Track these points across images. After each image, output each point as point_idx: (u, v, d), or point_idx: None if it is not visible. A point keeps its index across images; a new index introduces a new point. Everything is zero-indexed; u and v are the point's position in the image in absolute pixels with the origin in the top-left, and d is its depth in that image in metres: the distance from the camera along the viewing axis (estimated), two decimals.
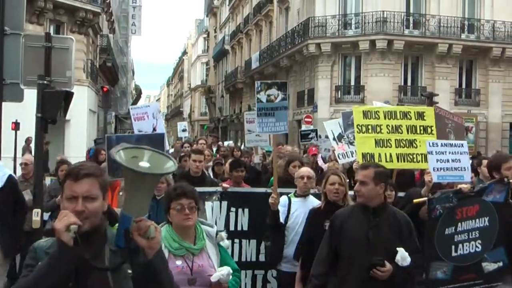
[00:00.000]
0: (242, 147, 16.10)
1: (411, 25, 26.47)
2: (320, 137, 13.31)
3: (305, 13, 28.78)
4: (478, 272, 4.45)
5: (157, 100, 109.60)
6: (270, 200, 5.19)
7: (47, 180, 8.64)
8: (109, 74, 39.81)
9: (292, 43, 29.66)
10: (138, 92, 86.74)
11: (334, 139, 8.66)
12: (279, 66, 32.49)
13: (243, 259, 5.72)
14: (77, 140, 23.20)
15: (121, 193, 5.46)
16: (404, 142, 6.00)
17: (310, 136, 12.89)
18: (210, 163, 9.00)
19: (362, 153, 5.93)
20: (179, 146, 14.50)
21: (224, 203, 5.76)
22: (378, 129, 6.01)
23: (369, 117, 6.05)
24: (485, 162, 5.96)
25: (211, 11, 62.21)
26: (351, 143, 7.69)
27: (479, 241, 4.44)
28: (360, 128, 6.02)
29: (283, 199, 5.39)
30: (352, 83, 27.46)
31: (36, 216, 6.11)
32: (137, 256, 2.17)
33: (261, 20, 38.92)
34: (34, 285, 2.05)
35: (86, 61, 26.53)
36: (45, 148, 16.55)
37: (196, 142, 12.33)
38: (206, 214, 5.52)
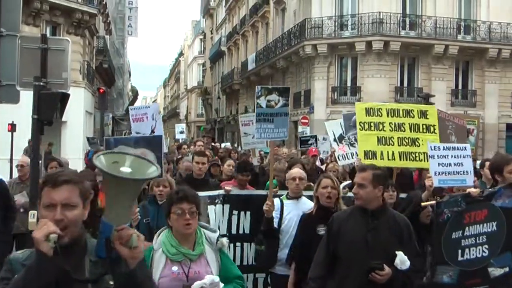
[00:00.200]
0: (239, 149, 16.02)
1: (407, 26, 26.46)
2: (318, 140, 13.32)
3: (302, 14, 28.75)
4: (484, 277, 4.42)
5: (153, 102, 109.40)
6: (265, 207, 5.09)
7: None
8: (106, 76, 39.75)
9: (289, 44, 29.62)
10: (135, 94, 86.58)
11: (335, 139, 8.61)
12: (276, 67, 32.44)
13: (245, 262, 5.66)
14: (74, 141, 23.13)
15: None
16: (407, 141, 5.94)
17: (310, 142, 12.93)
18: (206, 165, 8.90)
19: (364, 151, 5.88)
20: (174, 148, 14.44)
21: (226, 206, 5.68)
22: (381, 126, 5.95)
23: (371, 114, 5.99)
24: (487, 164, 5.91)
25: (207, 12, 62.19)
26: (352, 145, 7.65)
27: (486, 246, 4.40)
28: (362, 125, 5.96)
29: (275, 202, 5.27)
30: (349, 84, 27.42)
31: (32, 218, 5.99)
32: (119, 266, 2.06)
33: (258, 21, 38.92)
34: None
35: (82, 63, 26.41)
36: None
37: (194, 143, 12.26)
38: (209, 218, 5.46)
